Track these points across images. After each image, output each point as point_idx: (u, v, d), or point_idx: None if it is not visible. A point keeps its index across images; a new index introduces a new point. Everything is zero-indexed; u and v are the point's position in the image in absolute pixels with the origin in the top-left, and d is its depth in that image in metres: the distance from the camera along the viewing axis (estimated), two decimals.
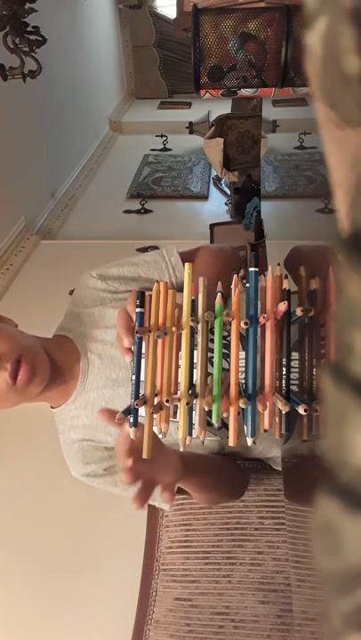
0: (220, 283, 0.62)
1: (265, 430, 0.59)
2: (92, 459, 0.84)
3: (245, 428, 0.57)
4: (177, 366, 0.61)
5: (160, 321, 0.62)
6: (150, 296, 0.63)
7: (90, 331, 0.84)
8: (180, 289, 0.80)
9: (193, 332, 0.60)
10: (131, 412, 0.61)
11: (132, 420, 0.63)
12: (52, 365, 0.80)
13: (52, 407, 0.87)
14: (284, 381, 0.59)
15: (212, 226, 2.70)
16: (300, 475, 0.95)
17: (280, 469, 1.03)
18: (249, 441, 0.57)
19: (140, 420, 0.62)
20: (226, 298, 0.60)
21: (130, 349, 0.64)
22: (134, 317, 0.63)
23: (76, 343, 0.84)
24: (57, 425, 0.87)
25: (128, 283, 0.88)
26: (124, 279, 0.88)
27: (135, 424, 0.63)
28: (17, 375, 0.73)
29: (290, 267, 0.90)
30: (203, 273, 0.77)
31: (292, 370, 0.60)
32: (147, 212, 3.38)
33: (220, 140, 2.67)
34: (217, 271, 0.84)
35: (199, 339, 0.59)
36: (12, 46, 2.03)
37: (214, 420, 0.56)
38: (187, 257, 0.89)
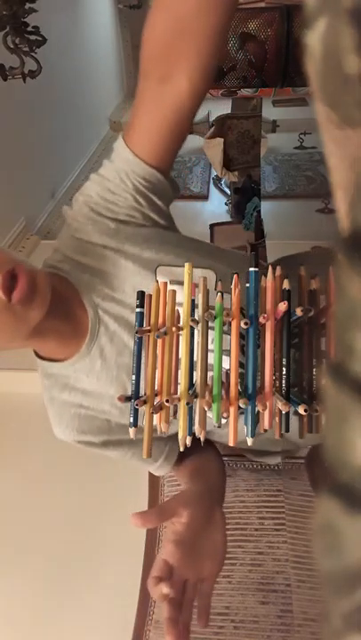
0: (220, 283, 0.62)
1: (265, 430, 0.59)
2: (88, 429, 0.75)
3: (245, 427, 0.57)
4: (177, 366, 0.61)
5: (160, 321, 0.62)
6: (150, 296, 0.63)
7: (102, 287, 0.70)
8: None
9: (193, 332, 0.60)
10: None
11: (132, 420, 0.63)
12: (55, 297, 0.65)
13: (37, 356, 0.74)
14: (284, 381, 0.59)
15: (212, 226, 2.69)
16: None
17: (274, 463, 1.02)
18: (249, 441, 0.57)
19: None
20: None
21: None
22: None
23: (79, 290, 0.70)
24: (40, 377, 0.75)
25: (115, 199, 0.71)
26: (108, 200, 0.72)
27: (135, 424, 0.63)
28: (11, 289, 0.59)
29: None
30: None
31: (292, 370, 0.60)
32: None
33: (220, 140, 2.67)
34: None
35: (199, 339, 0.59)
36: (11, 46, 2.03)
37: (214, 420, 0.56)
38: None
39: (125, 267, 0.71)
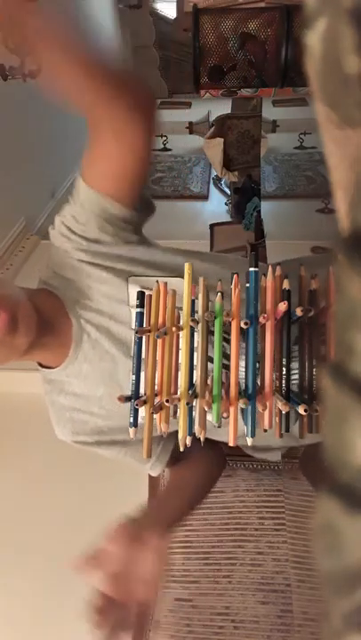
0: (220, 282, 0.62)
1: (265, 430, 0.59)
2: (82, 430, 0.82)
3: (245, 427, 0.57)
4: (177, 366, 0.61)
5: (160, 321, 0.62)
6: (150, 296, 0.63)
7: (82, 299, 0.77)
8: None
9: (193, 332, 0.60)
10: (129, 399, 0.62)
11: (131, 419, 0.63)
12: (41, 319, 0.73)
13: (40, 365, 0.82)
14: (284, 381, 0.59)
15: (212, 226, 2.70)
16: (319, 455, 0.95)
17: (275, 460, 1.02)
18: (249, 441, 0.57)
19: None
20: None
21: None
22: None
23: (65, 305, 0.78)
24: (42, 383, 0.82)
25: (85, 223, 0.78)
26: (79, 223, 0.79)
27: (135, 424, 0.63)
28: None
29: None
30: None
31: (292, 370, 0.60)
32: None
33: (220, 140, 2.67)
34: None
35: (199, 339, 0.59)
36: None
37: (214, 420, 0.56)
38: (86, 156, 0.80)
39: (99, 277, 0.77)
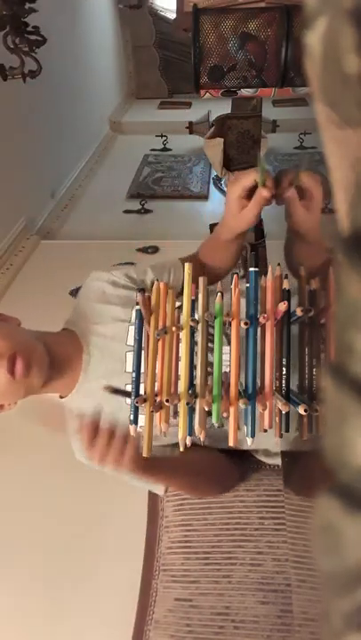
0: (220, 283, 0.62)
1: (265, 430, 0.59)
2: None
3: (245, 427, 0.57)
4: (177, 366, 0.61)
5: (160, 320, 0.62)
6: (150, 297, 0.63)
7: (91, 325, 0.90)
8: (177, 284, 0.85)
9: (193, 332, 0.60)
10: (119, 392, 0.64)
11: (132, 417, 0.63)
12: (53, 357, 0.84)
13: (60, 397, 0.92)
14: (284, 381, 0.59)
15: (212, 226, 2.69)
16: (301, 464, 0.96)
17: (273, 463, 1.03)
18: (249, 441, 0.57)
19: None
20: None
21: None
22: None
23: (80, 337, 0.90)
24: (65, 413, 0.92)
25: (131, 272, 0.94)
26: (127, 270, 0.95)
27: (135, 421, 0.63)
28: (14, 369, 0.77)
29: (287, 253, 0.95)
30: (205, 254, 0.90)
31: (292, 370, 0.60)
32: (147, 212, 3.38)
33: (220, 140, 2.67)
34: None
35: (199, 338, 0.59)
36: (11, 46, 2.03)
37: (214, 420, 0.56)
38: (190, 256, 0.95)
39: (111, 298, 0.90)
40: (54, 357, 0.85)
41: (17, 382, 0.78)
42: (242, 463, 1.02)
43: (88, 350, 0.88)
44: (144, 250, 2.75)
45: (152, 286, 0.75)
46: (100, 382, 0.85)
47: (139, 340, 0.64)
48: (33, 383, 0.81)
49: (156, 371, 0.62)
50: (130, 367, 0.77)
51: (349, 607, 0.16)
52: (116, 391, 0.71)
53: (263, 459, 1.03)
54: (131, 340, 0.80)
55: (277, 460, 1.01)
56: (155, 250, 2.73)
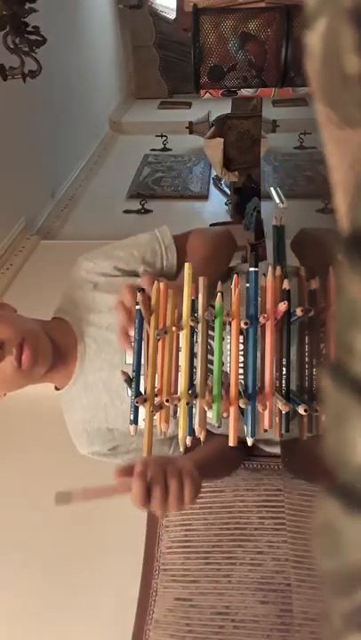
0: (220, 283, 0.62)
1: (265, 430, 0.59)
2: (95, 440, 0.88)
3: (245, 427, 0.57)
4: (177, 366, 0.61)
5: (160, 320, 0.62)
6: (150, 297, 0.63)
7: (85, 315, 0.86)
8: (171, 271, 0.84)
9: (193, 332, 0.60)
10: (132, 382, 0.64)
11: (131, 416, 0.63)
12: (54, 347, 0.83)
13: (56, 388, 0.90)
14: (284, 381, 0.59)
15: (212, 226, 2.69)
16: (301, 447, 0.94)
17: (274, 452, 1.02)
18: (249, 441, 0.57)
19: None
20: (218, 282, 0.60)
21: (130, 342, 0.67)
22: (132, 310, 0.65)
23: (72, 326, 0.87)
24: (61, 405, 0.90)
25: (121, 264, 0.89)
26: (117, 259, 0.90)
27: (135, 421, 0.63)
28: (21, 358, 0.76)
29: (296, 248, 0.93)
30: (193, 256, 0.84)
31: (292, 370, 0.60)
32: (147, 212, 3.37)
33: (220, 140, 2.67)
34: (207, 255, 0.86)
35: (199, 338, 0.59)
36: (11, 46, 2.02)
37: (214, 420, 0.56)
38: (179, 240, 0.91)
39: (106, 285, 0.87)
40: (54, 347, 0.83)
41: (22, 372, 0.77)
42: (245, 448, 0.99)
43: (83, 341, 0.86)
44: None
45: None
46: (99, 375, 0.84)
47: (139, 340, 0.64)
48: (36, 373, 0.80)
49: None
50: (130, 359, 0.74)
51: (349, 607, 0.16)
52: (131, 381, 0.69)
53: (263, 446, 1.02)
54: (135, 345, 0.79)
55: (278, 449, 1.00)
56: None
